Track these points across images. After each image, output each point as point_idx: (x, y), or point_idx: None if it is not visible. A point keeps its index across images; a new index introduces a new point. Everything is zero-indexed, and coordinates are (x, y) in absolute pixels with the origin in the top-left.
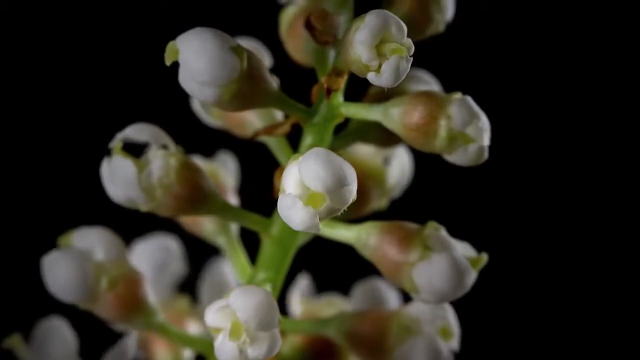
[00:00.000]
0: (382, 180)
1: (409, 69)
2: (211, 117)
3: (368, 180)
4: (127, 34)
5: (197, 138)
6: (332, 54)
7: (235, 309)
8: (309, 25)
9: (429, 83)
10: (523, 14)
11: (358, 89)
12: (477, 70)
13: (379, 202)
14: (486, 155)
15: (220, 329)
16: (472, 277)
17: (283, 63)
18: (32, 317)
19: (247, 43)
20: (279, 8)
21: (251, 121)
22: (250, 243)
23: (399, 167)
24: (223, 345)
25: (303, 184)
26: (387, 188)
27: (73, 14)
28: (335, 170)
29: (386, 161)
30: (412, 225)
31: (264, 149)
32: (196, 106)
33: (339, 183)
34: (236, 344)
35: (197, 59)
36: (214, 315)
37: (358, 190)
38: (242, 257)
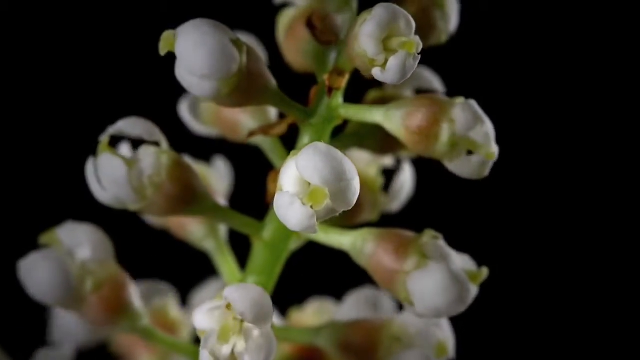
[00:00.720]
0: (376, 190)
1: (415, 67)
2: (201, 123)
3: (361, 189)
4: (119, 37)
5: (187, 145)
6: (332, 56)
7: (231, 301)
8: (310, 25)
9: (431, 82)
10: (523, 15)
11: (353, 99)
12: (476, 72)
13: (370, 214)
14: (488, 170)
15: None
16: (471, 291)
17: (274, 71)
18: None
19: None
20: (269, 15)
21: (245, 123)
22: (239, 249)
23: (400, 182)
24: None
25: (302, 180)
26: (380, 199)
27: (68, 14)
28: (334, 163)
29: (381, 171)
30: (409, 233)
31: (255, 155)
32: (184, 114)
33: (338, 176)
34: (229, 348)
35: (197, 52)
36: (203, 317)
37: None
38: (231, 261)
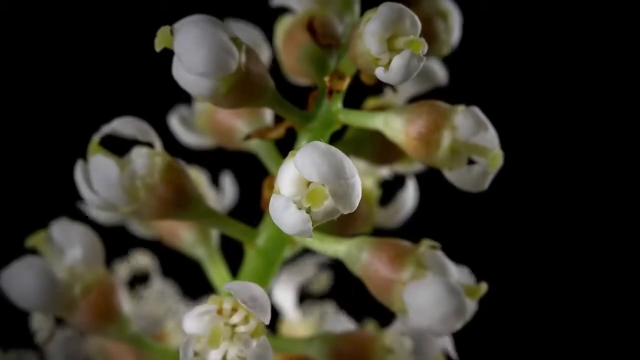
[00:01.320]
0: (371, 203)
1: (419, 69)
2: (195, 131)
3: None
4: (114, 37)
5: (181, 150)
6: (332, 62)
7: (232, 291)
8: (311, 29)
9: (437, 77)
10: (523, 14)
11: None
12: (476, 71)
13: (364, 227)
14: (488, 182)
15: (199, 338)
16: (466, 305)
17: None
18: None
19: (248, 33)
20: (268, 19)
21: (240, 129)
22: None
23: (401, 200)
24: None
25: (300, 181)
26: (375, 212)
27: (64, 14)
28: (333, 160)
29: (379, 184)
30: (407, 243)
31: (250, 162)
32: (175, 126)
33: (337, 174)
34: (219, 354)
35: (196, 48)
36: (192, 321)
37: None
38: (222, 269)
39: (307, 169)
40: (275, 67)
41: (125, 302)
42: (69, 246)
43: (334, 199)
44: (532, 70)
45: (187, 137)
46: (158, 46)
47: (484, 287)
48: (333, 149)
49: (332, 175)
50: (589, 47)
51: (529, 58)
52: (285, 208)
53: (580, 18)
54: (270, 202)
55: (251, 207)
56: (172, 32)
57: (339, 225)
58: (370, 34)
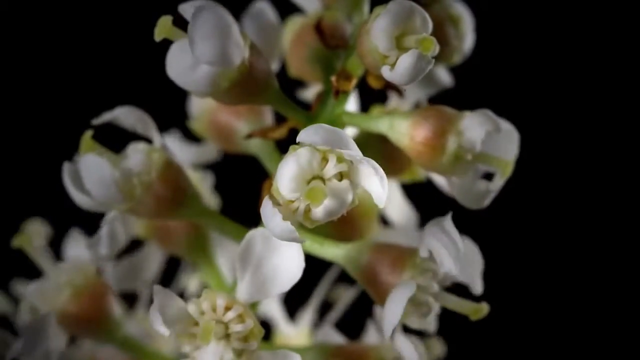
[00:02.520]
0: (371, 216)
1: (426, 71)
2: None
3: (354, 212)
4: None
5: None
6: (339, 63)
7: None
8: (319, 30)
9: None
10: (524, 14)
11: None
12: (476, 70)
13: (359, 239)
14: (488, 201)
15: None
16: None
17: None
18: None
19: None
20: None
21: (240, 130)
22: None
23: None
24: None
25: (300, 177)
26: (374, 228)
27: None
28: (338, 132)
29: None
30: (406, 246)
31: (250, 164)
32: (173, 143)
33: (342, 141)
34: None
35: (211, 37)
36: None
37: (342, 220)
38: (218, 272)
39: (310, 136)
40: (281, 70)
41: (117, 305)
42: (102, 242)
43: (358, 168)
44: (534, 72)
45: (187, 152)
46: (158, 36)
47: (485, 307)
48: (337, 129)
49: (336, 141)
50: (592, 49)
51: (530, 60)
52: (272, 216)
53: (582, 19)
54: (261, 205)
55: (251, 209)
56: (173, 21)
57: (332, 236)
58: (378, 29)
